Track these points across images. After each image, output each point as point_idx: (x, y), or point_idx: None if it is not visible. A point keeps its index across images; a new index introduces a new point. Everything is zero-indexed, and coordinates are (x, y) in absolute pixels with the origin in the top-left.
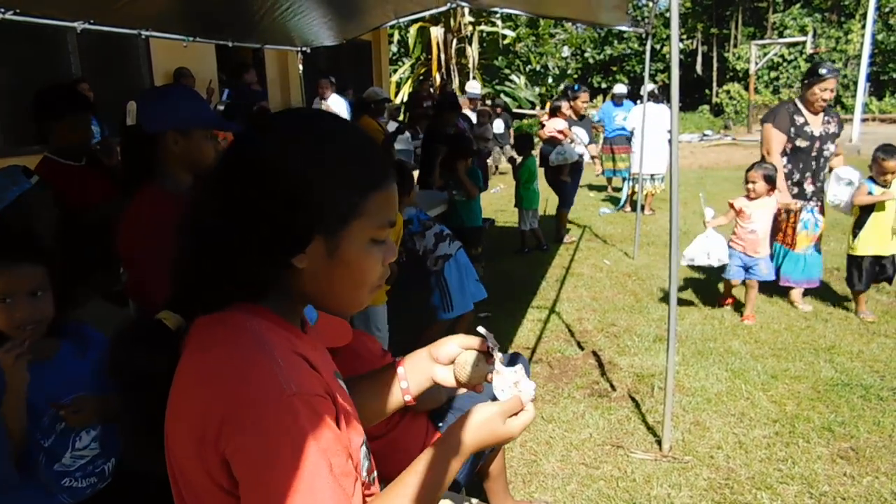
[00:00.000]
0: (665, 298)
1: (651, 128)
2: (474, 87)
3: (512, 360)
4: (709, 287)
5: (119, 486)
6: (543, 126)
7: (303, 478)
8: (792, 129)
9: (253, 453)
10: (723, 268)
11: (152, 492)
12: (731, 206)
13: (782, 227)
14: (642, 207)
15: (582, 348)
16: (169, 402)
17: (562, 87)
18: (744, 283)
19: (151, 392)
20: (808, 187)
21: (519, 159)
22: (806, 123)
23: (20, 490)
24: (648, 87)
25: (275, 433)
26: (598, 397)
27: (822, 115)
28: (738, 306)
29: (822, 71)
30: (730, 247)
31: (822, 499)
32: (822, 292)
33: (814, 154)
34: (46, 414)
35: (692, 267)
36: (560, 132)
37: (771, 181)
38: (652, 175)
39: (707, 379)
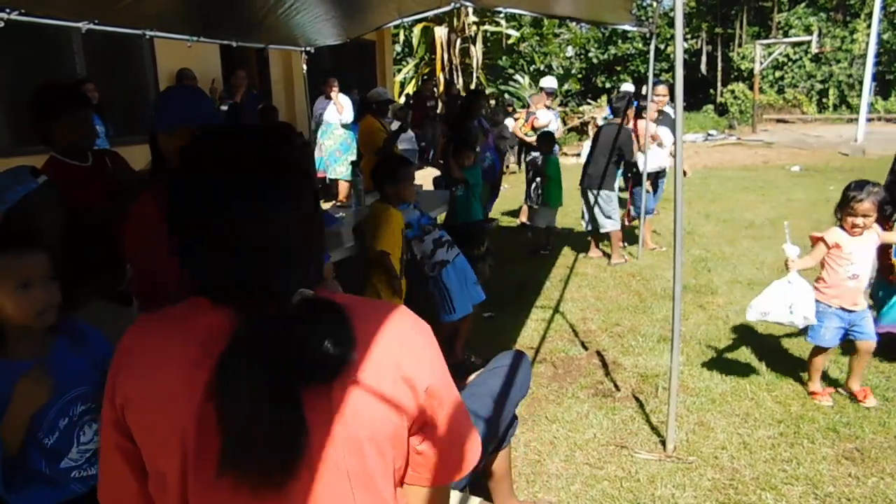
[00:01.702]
0: (669, 298)
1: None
2: (550, 81)
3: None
4: (711, 287)
5: None
6: (635, 130)
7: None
8: None
9: (448, 388)
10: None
11: None
12: (821, 240)
13: None
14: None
15: (586, 348)
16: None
17: (580, 84)
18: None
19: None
20: None
21: (541, 159)
22: None
23: (31, 485)
24: (640, 87)
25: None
26: (602, 397)
27: None
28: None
29: None
30: (816, 301)
31: (827, 499)
32: None
33: None
34: (52, 410)
35: (697, 268)
36: (651, 137)
37: (884, 210)
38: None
39: (711, 379)
